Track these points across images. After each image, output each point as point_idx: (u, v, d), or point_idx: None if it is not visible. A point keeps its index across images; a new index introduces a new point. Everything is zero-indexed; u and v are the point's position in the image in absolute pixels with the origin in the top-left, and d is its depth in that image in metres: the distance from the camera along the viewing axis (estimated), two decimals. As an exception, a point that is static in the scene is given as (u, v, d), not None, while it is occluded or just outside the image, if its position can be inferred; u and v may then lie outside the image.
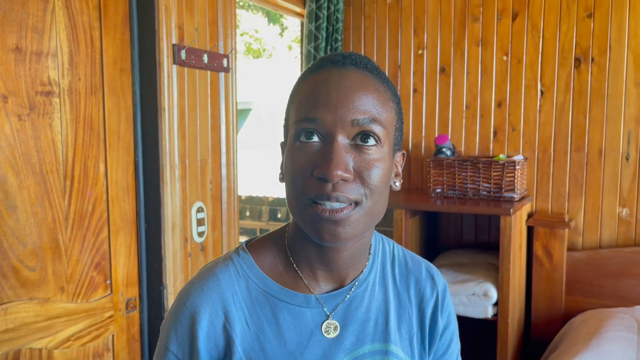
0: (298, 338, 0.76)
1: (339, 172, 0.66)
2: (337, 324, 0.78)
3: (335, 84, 0.70)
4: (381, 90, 0.72)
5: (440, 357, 0.87)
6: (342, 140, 0.68)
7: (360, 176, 0.69)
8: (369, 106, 0.69)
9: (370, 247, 0.84)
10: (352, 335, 0.78)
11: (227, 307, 0.75)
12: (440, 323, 0.85)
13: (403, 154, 0.81)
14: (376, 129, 0.69)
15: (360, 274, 0.81)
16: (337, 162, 0.67)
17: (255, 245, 0.81)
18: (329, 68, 0.72)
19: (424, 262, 0.89)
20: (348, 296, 0.79)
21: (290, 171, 0.71)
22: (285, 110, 0.78)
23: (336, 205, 0.67)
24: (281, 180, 0.77)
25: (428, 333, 0.85)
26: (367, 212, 0.70)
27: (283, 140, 0.79)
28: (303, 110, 0.70)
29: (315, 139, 0.69)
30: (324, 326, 0.77)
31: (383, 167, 0.71)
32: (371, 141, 0.69)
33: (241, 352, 0.74)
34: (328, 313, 0.78)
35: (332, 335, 0.77)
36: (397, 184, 0.78)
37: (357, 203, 0.69)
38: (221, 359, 0.75)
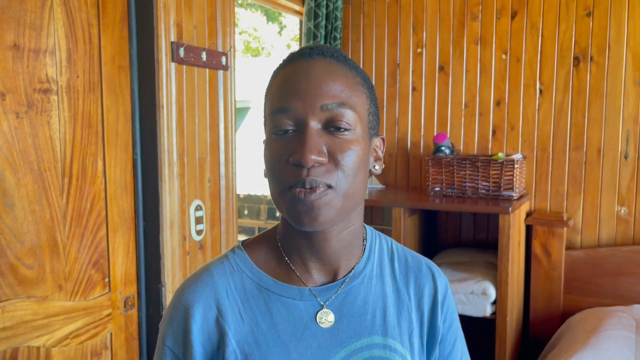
0: (292, 330, 0.76)
1: (313, 157, 0.69)
2: (332, 313, 0.78)
3: (303, 73, 0.73)
4: (349, 76, 0.75)
5: (447, 356, 0.87)
6: (314, 125, 0.71)
7: (334, 159, 0.71)
8: (336, 91, 0.72)
9: (365, 240, 0.85)
10: (349, 328, 0.78)
11: (220, 301, 0.77)
12: (440, 321, 0.85)
13: (382, 139, 0.82)
14: (346, 112, 0.72)
15: (354, 266, 0.81)
16: (310, 146, 0.69)
17: (250, 244, 0.84)
18: (297, 60, 0.75)
19: (425, 260, 0.89)
20: (342, 288, 0.80)
21: (269, 161, 0.74)
22: (262, 105, 0.80)
23: (313, 184, 0.70)
24: (265, 175, 0.79)
25: (427, 330, 0.85)
26: (342, 195, 0.72)
27: (265, 138, 0.80)
28: (275, 103, 0.74)
29: (289, 128, 0.72)
30: (318, 316, 0.78)
31: (357, 149, 0.73)
32: (342, 125, 0.72)
33: (235, 345, 0.75)
34: (322, 303, 0.78)
35: (327, 325, 0.77)
36: (377, 167, 0.81)
37: (330, 186, 0.71)
38: (215, 352, 0.76)
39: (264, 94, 0.79)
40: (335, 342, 0.77)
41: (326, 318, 0.78)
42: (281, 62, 0.78)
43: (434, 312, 0.85)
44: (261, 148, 0.80)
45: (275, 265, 0.80)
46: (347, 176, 0.72)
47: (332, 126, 0.72)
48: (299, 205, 0.70)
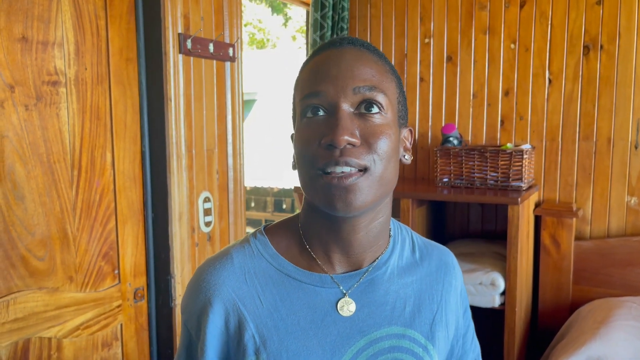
0: (312, 317, 0.76)
1: (346, 137, 0.68)
2: (353, 302, 0.78)
3: (334, 60, 0.73)
4: (379, 63, 0.75)
5: (463, 335, 0.89)
6: (346, 108, 0.71)
7: (367, 142, 0.70)
8: (368, 75, 0.72)
9: (390, 231, 0.84)
10: (369, 318, 0.78)
11: (239, 286, 0.77)
12: (461, 306, 0.87)
13: (410, 130, 0.82)
14: (378, 96, 0.72)
15: (378, 257, 0.81)
16: (343, 127, 0.69)
17: (272, 229, 0.83)
18: (328, 49, 0.75)
19: (443, 248, 0.90)
20: (365, 277, 0.79)
21: (299, 146, 0.73)
22: (291, 99, 0.80)
23: (346, 169, 0.69)
24: (294, 167, 0.78)
25: (451, 316, 0.86)
26: (377, 179, 0.71)
27: (293, 132, 0.80)
28: (306, 88, 0.73)
29: (321, 112, 0.72)
30: (339, 304, 0.77)
31: (390, 133, 0.72)
32: (375, 109, 0.72)
33: (253, 329, 0.75)
34: (344, 291, 0.78)
35: (348, 313, 0.77)
36: (407, 157, 0.80)
37: (366, 169, 0.70)
38: (233, 337, 0.76)
39: (294, 85, 0.79)
40: (355, 330, 0.77)
41: (347, 307, 0.77)
42: (310, 53, 0.79)
43: (456, 299, 0.86)
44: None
45: (297, 253, 0.80)
46: (381, 159, 0.71)
47: (364, 110, 0.71)
48: (332, 189, 0.69)
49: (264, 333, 0.75)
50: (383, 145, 0.71)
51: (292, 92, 0.80)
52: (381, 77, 0.74)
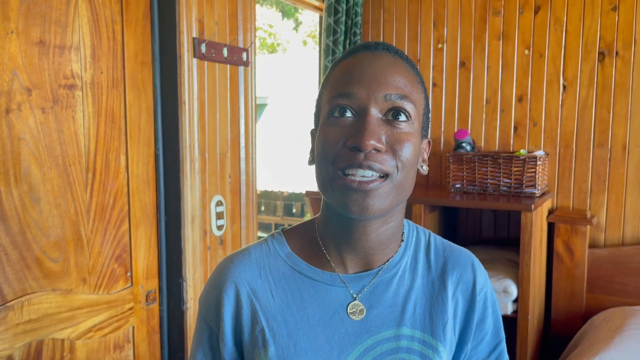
0: (321, 314, 0.78)
1: (372, 142, 0.69)
2: (364, 307, 0.79)
3: (368, 63, 0.73)
4: (412, 73, 0.76)
5: (473, 349, 0.86)
6: (375, 113, 0.71)
7: (392, 148, 0.71)
8: (400, 84, 0.73)
9: (402, 235, 0.85)
10: (378, 319, 0.79)
11: (254, 280, 0.80)
12: (476, 312, 0.84)
13: (429, 142, 0.83)
14: (407, 105, 0.72)
15: (389, 259, 0.81)
16: (370, 132, 0.69)
17: (289, 231, 0.87)
18: (362, 52, 0.76)
19: (465, 251, 0.89)
20: (375, 279, 0.80)
21: (322, 144, 0.74)
22: (317, 97, 0.81)
23: (367, 174, 0.70)
24: (310, 163, 0.80)
25: (461, 321, 0.83)
26: (396, 186, 0.72)
27: (313, 127, 0.82)
28: (337, 88, 0.74)
29: (349, 114, 0.72)
30: (349, 307, 0.78)
31: (414, 142, 0.73)
32: (402, 117, 0.72)
33: (264, 322, 0.78)
34: (355, 294, 0.79)
35: (358, 317, 0.78)
36: (424, 167, 0.81)
37: (387, 175, 0.71)
38: (247, 328, 0.78)
39: (322, 83, 0.79)
40: (363, 330, 0.78)
41: (357, 311, 0.78)
42: (343, 54, 0.79)
43: (471, 302, 0.84)
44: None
45: (311, 253, 0.82)
46: (404, 167, 0.72)
47: (392, 117, 0.72)
48: (350, 190, 0.70)
49: (274, 327, 0.77)
50: (407, 153, 0.72)
51: (319, 88, 0.80)
52: (412, 87, 0.74)
